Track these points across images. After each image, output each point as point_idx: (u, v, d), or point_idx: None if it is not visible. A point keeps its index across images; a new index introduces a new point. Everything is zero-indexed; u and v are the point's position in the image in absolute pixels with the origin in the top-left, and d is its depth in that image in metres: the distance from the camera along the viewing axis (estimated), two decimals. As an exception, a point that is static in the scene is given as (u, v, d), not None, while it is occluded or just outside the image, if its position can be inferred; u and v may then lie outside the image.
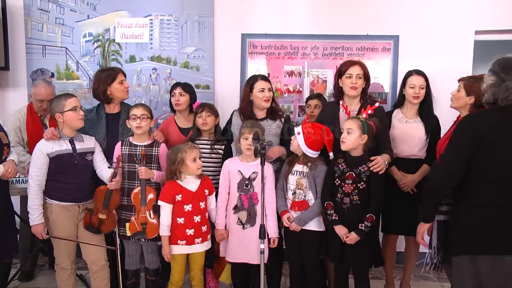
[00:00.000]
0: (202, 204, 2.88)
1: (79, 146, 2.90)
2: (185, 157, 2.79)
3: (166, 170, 2.90)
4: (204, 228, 2.89)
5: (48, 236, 2.85)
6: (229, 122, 3.31)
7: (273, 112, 3.22)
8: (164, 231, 2.83)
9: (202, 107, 3.14)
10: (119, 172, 2.90)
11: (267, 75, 4.08)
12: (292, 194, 2.92)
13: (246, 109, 3.19)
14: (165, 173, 2.91)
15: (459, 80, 2.96)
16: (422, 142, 3.16)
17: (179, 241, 2.84)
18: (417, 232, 2.40)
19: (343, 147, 2.77)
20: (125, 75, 3.26)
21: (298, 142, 2.87)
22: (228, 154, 3.19)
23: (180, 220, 2.83)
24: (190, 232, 2.83)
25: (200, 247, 2.89)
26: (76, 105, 2.85)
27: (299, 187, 2.91)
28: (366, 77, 3.06)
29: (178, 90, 3.35)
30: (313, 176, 2.88)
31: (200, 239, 2.87)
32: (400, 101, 3.29)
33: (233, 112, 3.33)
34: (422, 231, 2.38)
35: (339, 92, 3.12)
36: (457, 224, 2.22)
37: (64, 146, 2.85)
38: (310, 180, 2.89)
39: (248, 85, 3.20)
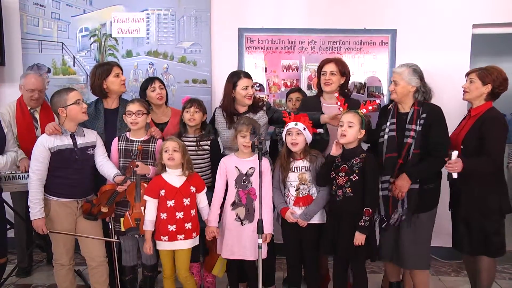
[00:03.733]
0: (186, 201, 2.84)
1: (80, 141, 2.88)
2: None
3: (158, 165, 2.91)
4: (188, 226, 2.84)
5: (48, 231, 2.83)
6: (212, 120, 3.30)
7: (254, 105, 3.24)
8: (147, 226, 2.83)
9: (191, 103, 3.10)
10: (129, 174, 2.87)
11: (264, 70, 4.09)
12: (296, 190, 2.91)
13: (228, 106, 3.19)
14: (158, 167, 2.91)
15: (467, 74, 2.98)
16: None
17: (162, 237, 2.83)
18: (403, 185, 2.79)
19: (344, 140, 2.76)
20: (121, 69, 3.23)
21: (306, 136, 2.88)
22: (215, 149, 3.15)
23: (163, 216, 2.82)
24: (171, 228, 2.81)
25: (184, 244, 2.85)
26: (78, 98, 2.85)
27: (303, 182, 2.90)
28: (342, 73, 3.18)
29: (157, 84, 3.31)
30: (315, 169, 2.89)
31: (183, 235, 2.83)
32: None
33: (215, 109, 3.32)
34: (408, 186, 2.79)
35: (320, 88, 3.28)
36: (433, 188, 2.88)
37: (65, 141, 2.83)
38: (313, 174, 2.89)
39: (231, 82, 3.18)
